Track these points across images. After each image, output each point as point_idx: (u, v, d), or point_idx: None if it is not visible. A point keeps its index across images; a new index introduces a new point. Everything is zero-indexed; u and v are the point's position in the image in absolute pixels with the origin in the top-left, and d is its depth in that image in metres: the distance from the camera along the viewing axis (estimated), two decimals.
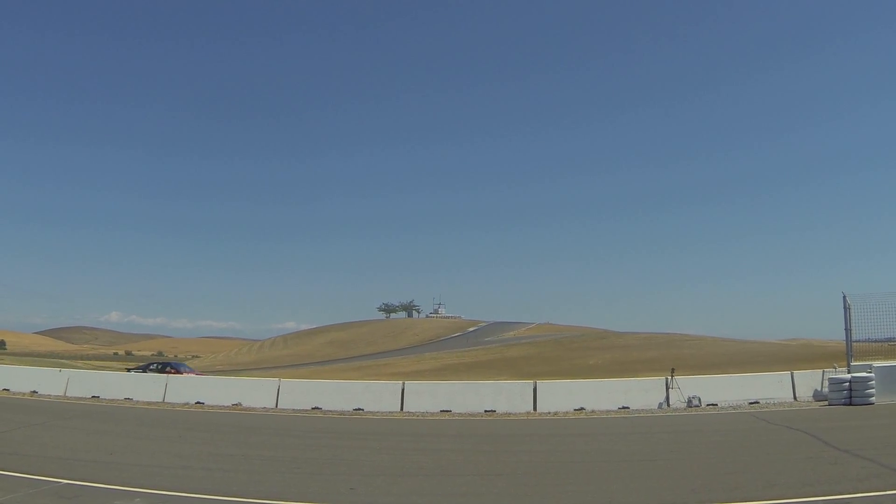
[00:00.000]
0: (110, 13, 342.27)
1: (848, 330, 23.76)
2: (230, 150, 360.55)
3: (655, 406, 23.34)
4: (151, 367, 42.65)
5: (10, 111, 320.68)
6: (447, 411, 23.82)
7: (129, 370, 41.33)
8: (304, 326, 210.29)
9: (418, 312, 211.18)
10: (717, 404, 23.06)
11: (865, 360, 23.07)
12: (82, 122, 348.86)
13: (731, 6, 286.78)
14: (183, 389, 27.17)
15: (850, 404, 21.43)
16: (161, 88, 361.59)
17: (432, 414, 23.60)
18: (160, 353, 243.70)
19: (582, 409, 23.28)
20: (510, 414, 23.26)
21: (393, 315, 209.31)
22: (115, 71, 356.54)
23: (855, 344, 23.84)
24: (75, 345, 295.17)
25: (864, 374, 21.95)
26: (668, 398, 23.60)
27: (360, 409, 24.33)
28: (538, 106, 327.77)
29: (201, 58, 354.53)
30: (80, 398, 26.92)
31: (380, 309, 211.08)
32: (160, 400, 26.47)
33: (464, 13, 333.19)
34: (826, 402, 22.32)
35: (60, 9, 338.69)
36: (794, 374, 24.17)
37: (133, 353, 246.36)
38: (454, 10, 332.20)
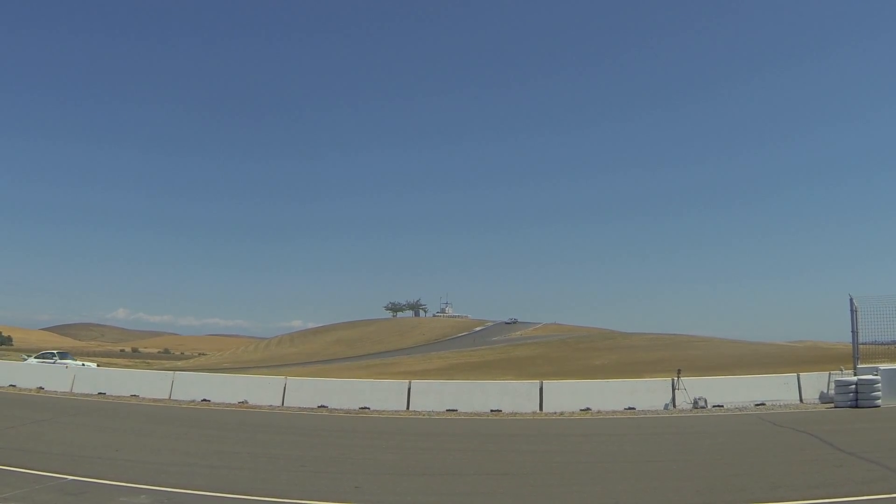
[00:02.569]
0: (111, 11, 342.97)
1: (854, 332, 23.71)
2: (238, 148, 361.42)
3: (661, 407, 23.31)
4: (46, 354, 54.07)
5: (17, 109, 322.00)
6: (453, 410, 23.83)
7: (25, 358, 49.33)
8: (310, 325, 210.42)
9: (425, 311, 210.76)
10: (723, 406, 23.01)
11: (872, 363, 23.00)
12: (90, 120, 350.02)
13: (735, 9, 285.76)
14: (189, 387, 27.24)
15: (856, 407, 21.35)
16: (170, 87, 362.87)
17: (438, 413, 23.60)
18: (167, 351, 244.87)
19: (588, 409, 23.26)
20: (516, 414, 23.26)
21: (400, 314, 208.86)
22: (122, 70, 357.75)
23: (861, 346, 23.78)
24: (82, 341, 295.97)
25: (870, 377, 21.87)
26: (674, 399, 23.55)
27: (366, 408, 24.36)
28: (546, 106, 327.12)
29: (211, 57, 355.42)
30: (87, 395, 27.06)
31: (386, 308, 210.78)
32: (166, 397, 26.55)
33: (470, 14, 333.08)
34: (832, 405, 22.23)
35: (61, 7, 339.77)
36: (801, 376, 24.09)
37: (140, 350, 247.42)
38: (460, 10, 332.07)
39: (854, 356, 23.61)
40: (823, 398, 23.25)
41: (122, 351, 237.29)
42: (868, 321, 23.69)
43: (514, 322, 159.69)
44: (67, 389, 27.84)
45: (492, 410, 23.68)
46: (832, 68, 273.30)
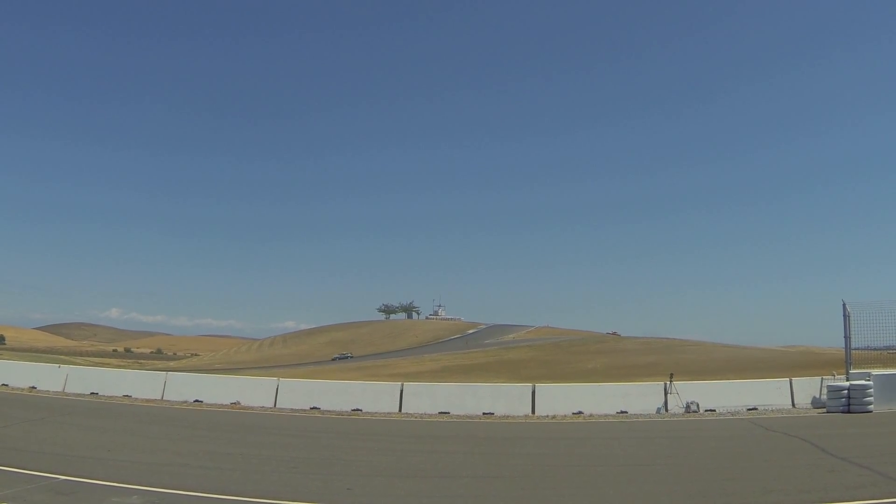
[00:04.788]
0: (114, 12, 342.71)
1: (847, 338, 23.75)
2: (232, 149, 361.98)
3: (654, 411, 23.33)
4: None
5: (14, 108, 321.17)
6: (445, 413, 23.81)
7: None
8: (303, 326, 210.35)
9: (418, 314, 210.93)
10: (715, 410, 23.05)
11: (864, 368, 23.06)
12: (85, 120, 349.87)
13: (734, 13, 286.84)
14: (182, 387, 27.14)
15: (849, 412, 21.41)
16: (163, 87, 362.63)
17: (430, 415, 23.58)
18: (159, 351, 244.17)
19: (580, 412, 23.27)
20: (508, 417, 23.25)
21: (393, 316, 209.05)
22: (118, 69, 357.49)
23: (854, 352, 23.83)
24: (75, 341, 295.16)
25: (862, 383, 21.94)
26: (666, 403, 23.59)
27: (358, 410, 24.32)
28: (541, 109, 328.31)
29: (206, 58, 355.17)
30: (79, 394, 26.92)
31: (380, 310, 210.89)
32: (159, 397, 26.44)
33: (469, 15, 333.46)
34: (824, 410, 22.30)
35: (63, 6, 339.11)
36: (793, 381, 24.15)
37: (132, 350, 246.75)
38: (459, 12, 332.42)
39: (847, 361, 23.66)
40: (816, 403, 23.31)
41: (114, 351, 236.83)
42: (861, 327, 23.75)
43: (347, 357, 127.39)
44: (60, 389, 27.69)
45: (484, 413, 23.67)
46: (826, 75, 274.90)
